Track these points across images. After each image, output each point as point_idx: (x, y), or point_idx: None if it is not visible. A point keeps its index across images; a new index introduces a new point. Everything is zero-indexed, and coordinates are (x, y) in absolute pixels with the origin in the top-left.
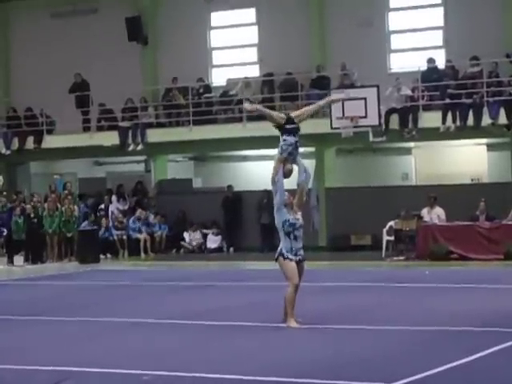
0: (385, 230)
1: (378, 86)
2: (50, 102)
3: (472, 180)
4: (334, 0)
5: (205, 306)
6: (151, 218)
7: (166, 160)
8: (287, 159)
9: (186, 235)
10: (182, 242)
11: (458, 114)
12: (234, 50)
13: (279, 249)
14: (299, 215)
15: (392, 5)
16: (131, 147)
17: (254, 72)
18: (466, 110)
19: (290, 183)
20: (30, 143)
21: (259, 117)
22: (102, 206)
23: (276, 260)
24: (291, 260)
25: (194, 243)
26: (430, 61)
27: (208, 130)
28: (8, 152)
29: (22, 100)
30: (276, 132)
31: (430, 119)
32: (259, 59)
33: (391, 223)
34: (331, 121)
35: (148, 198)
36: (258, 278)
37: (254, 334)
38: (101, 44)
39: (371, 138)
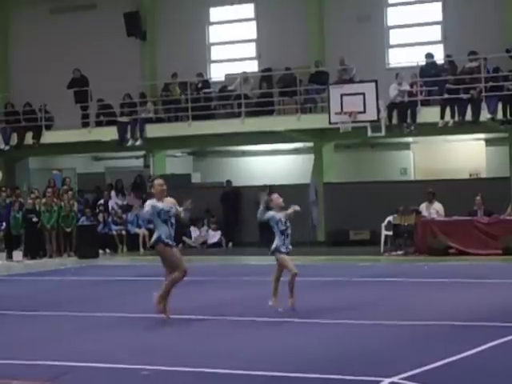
0: (383, 225)
1: (376, 81)
2: (49, 97)
3: (470, 175)
4: None
5: (203, 300)
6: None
7: (164, 155)
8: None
9: (192, 230)
10: (185, 238)
11: (456, 108)
12: (232, 45)
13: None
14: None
15: (390, 0)
16: (130, 142)
17: (252, 67)
18: (464, 104)
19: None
20: (28, 139)
21: (258, 112)
22: (102, 202)
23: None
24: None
25: (200, 239)
26: (429, 56)
27: (207, 125)
28: (7, 147)
29: (20, 95)
30: (273, 127)
31: (429, 114)
32: (258, 54)
33: (390, 218)
34: (329, 116)
35: (146, 194)
36: (256, 273)
37: (251, 328)
38: (99, 39)
39: (369, 133)
